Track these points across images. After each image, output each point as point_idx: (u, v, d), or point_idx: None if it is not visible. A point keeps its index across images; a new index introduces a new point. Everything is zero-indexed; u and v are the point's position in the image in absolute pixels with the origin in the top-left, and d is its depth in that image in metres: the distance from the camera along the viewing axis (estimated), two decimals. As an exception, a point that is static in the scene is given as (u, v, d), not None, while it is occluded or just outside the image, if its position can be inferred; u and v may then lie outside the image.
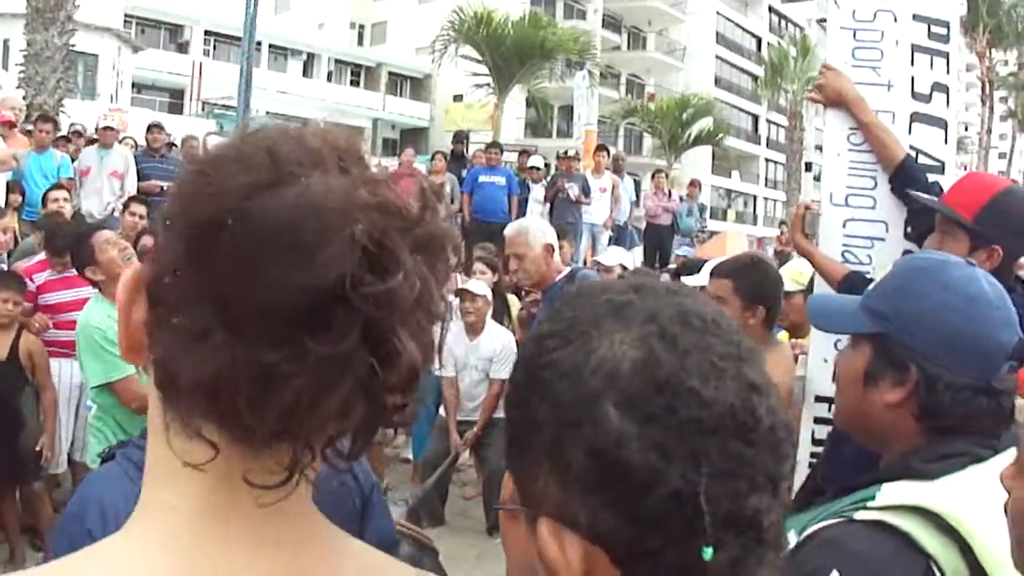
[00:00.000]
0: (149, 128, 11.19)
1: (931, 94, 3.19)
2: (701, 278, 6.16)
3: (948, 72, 3.20)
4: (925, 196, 2.88)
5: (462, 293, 6.75)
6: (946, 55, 3.20)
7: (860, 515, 1.39)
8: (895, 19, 3.19)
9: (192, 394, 0.72)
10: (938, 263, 1.61)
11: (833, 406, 1.86)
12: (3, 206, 7.12)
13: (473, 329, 6.74)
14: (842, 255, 3.20)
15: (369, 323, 0.70)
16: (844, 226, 3.21)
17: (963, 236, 2.56)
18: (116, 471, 1.57)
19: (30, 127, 10.25)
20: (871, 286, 1.68)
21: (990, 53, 40.19)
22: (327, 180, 0.73)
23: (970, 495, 1.37)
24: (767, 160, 57.71)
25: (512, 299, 7.60)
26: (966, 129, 59.00)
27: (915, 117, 3.18)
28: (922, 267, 1.62)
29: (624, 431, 0.70)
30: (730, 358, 0.75)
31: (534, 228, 4.92)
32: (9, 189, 8.49)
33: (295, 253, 0.69)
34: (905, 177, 3.06)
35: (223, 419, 0.72)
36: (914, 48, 3.19)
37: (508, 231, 5.04)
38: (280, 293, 0.69)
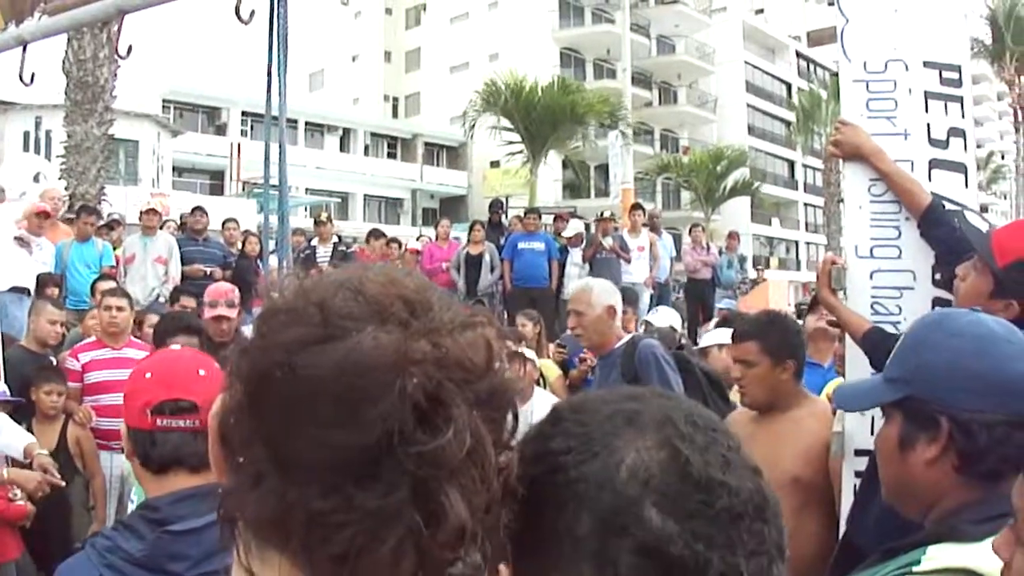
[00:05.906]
0: (192, 211, 11.33)
1: (948, 140, 3.17)
2: (718, 335, 6.10)
3: (963, 116, 3.19)
4: (972, 228, 2.83)
5: (514, 357, 6.67)
6: (960, 99, 3.19)
7: None
8: (906, 68, 3.19)
9: (255, 530, 0.75)
10: (941, 315, 1.67)
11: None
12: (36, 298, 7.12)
13: (523, 396, 6.64)
14: (871, 307, 3.16)
15: (418, 479, 0.70)
16: (871, 278, 3.18)
17: (990, 279, 2.49)
18: (83, 559, 1.66)
19: (72, 216, 10.36)
20: (889, 358, 1.66)
21: (1020, 80, 39.75)
22: (378, 336, 0.72)
23: None
24: (806, 205, 57.47)
25: (546, 364, 7.51)
26: (1002, 157, 58.30)
27: (934, 164, 3.16)
28: (928, 323, 1.65)
29: (669, 529, 0.76)
30: (733, 449, 0.83)
31: (598, 288, 4.66)
32: (43, 283, 8.39)
33: (340, 410, 0.69)
34: (933, 221, 3.03)
35: (288, 555, 0.74)
36: (927, 95, 3.18)
37: (574, 286, 4.95)
38: (326, 447, 0.70)
